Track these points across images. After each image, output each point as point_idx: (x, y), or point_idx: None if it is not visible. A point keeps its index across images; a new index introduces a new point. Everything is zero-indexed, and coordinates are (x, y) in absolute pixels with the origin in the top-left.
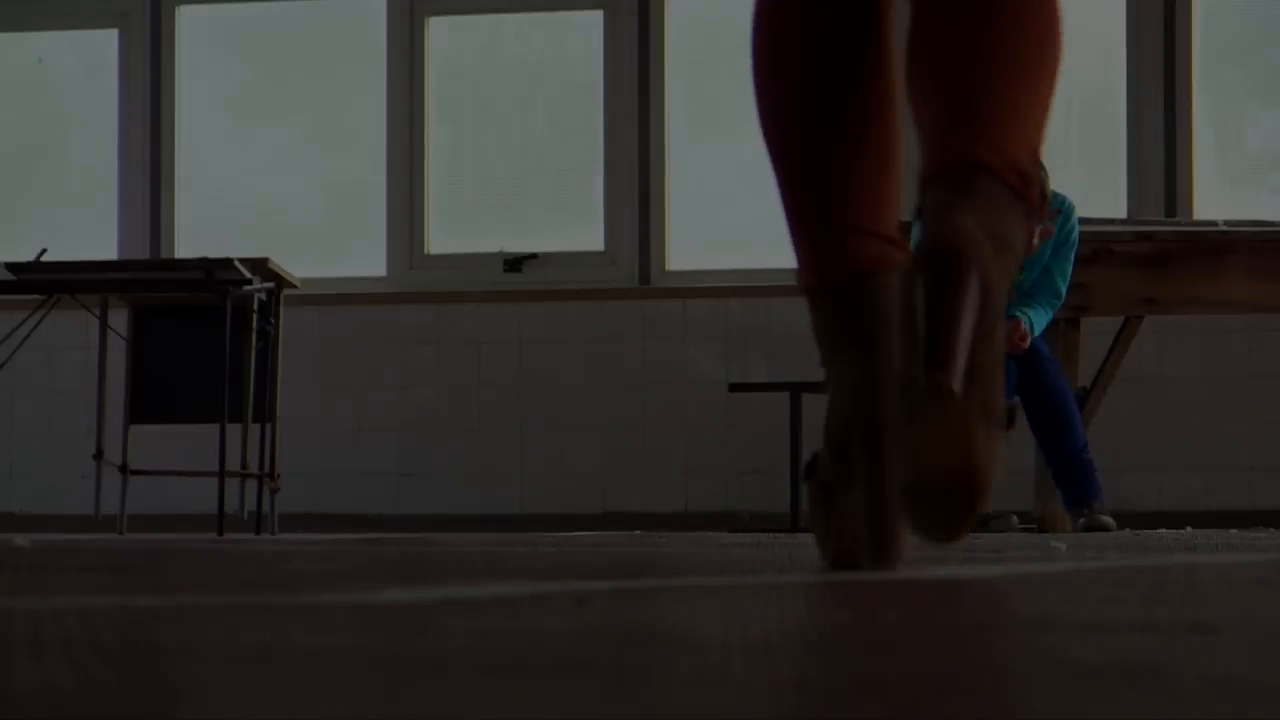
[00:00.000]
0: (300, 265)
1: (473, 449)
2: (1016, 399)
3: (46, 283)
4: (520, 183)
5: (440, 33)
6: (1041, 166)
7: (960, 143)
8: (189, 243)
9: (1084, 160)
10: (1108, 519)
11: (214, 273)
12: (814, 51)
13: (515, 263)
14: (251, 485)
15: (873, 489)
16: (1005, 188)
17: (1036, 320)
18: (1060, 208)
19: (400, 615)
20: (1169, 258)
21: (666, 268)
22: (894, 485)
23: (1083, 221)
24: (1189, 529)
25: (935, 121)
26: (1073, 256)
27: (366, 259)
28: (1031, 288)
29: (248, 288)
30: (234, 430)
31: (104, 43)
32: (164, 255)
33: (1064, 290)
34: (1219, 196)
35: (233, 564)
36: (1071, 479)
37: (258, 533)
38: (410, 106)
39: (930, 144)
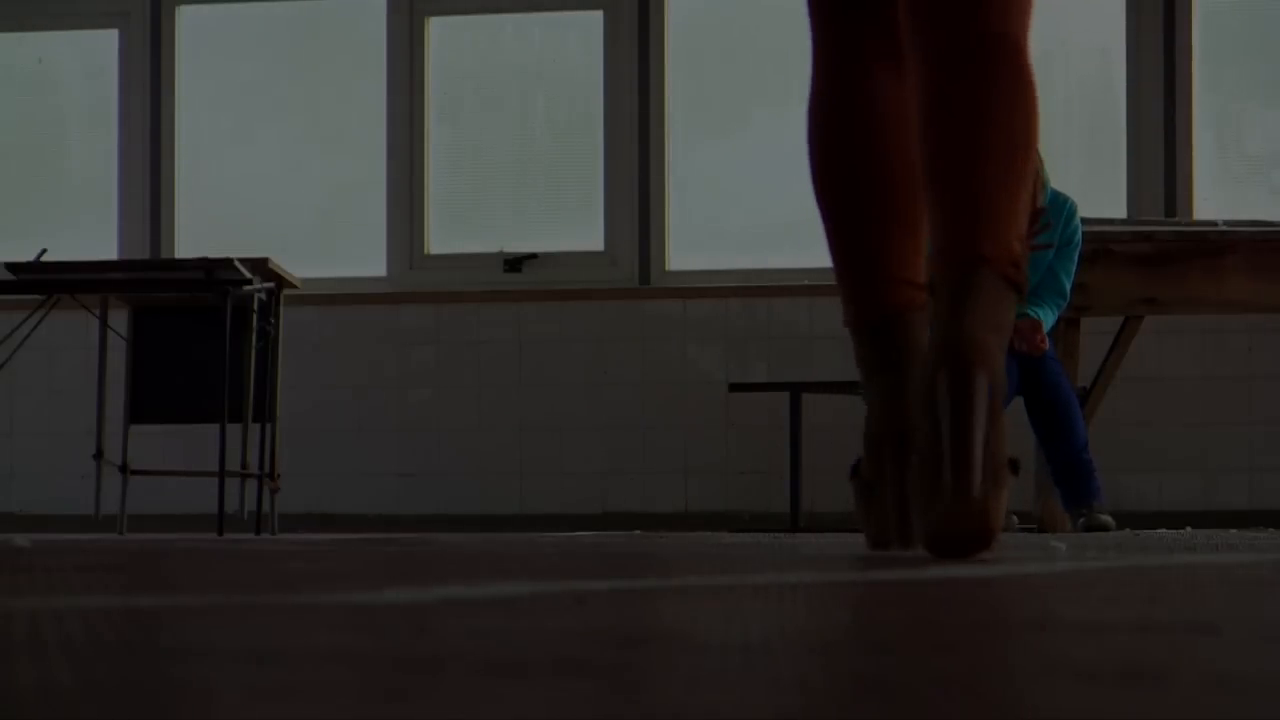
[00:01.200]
0: (300, 265)
1: (473, 449)
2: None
3: (46, 283)
4: (520, 183)
5: (440, 33)
6: (1041, 173)
7: (965, 240)
8: (189, 243)
9: (1084, 160)
10: (1108, 519)
11: (214, 273)
12: (858, 139)
13: (515, 263)
14: (251, 485)
15: (898, 487)
16: (1002, 279)
17: (1045, 320)
18: (1060, 207)
19: (400, 615)
20: (1169, 258)
21: (666, 268)
22: (914, 485)
23: (1083, 221)
24: (1189, 529)
25: (942, 213)
26: (1076, 257)
27: (366, 259)
28: (1038, 288)
29: (248, 288)
30: (234, 430)
31: (104, 43)
32: (164, 255)
33: (1069, 290)
34: (1219, 196)
35: (233, 564)
36: (1071, 479)
37: (258, 533)
38: (410, 106)
39: (938, 232)
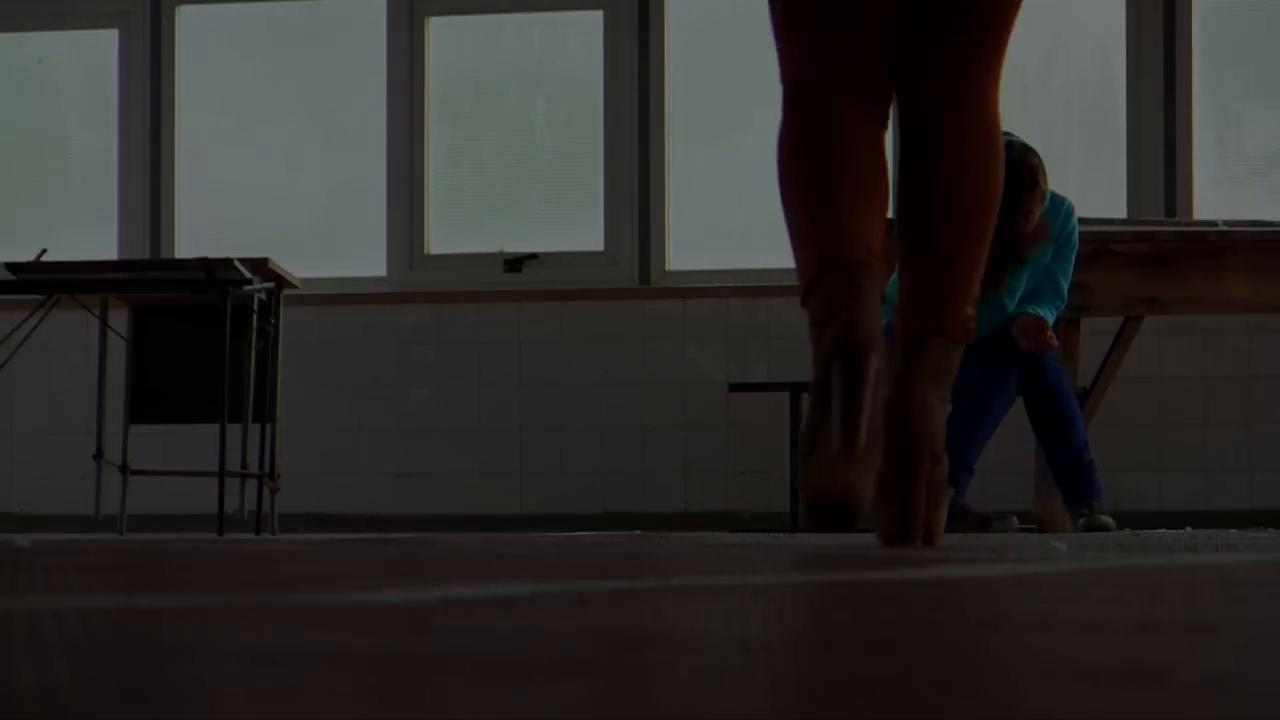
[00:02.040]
0: (300, 265)
1: (473, 449)
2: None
3: (46, 283)
4: (520, 183)
5: (440, 33)
6: (1041, 170)
7: (928, 314)
8: (189, 243)
9: (1084, 160)
10: (1108, 519)
11: (214, 273)
12: (823, 138)
13: (515, 263)
14: (251, 485)
15: (847, 421)
16: (952, 343)
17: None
18: (1057, 208)
19: (400, 615)
20: (1169, 258)
21: (666, 268)
22: (867, 421)
23: (1083, 221)
24: (1189, 529)
25: (910, 285)
26: (1074, 257)
27: (366, 259)
28: (1036, 289)
29: (248, 288)
30: (234, 430)
31: (104, 43)
32: (164, 255)
33: (1066, 291)
34: (1219, 196)
35: (233, 564)
36: (1072, 478)
37: (258, 533)
38: (410, 106)
39: (904, 298)
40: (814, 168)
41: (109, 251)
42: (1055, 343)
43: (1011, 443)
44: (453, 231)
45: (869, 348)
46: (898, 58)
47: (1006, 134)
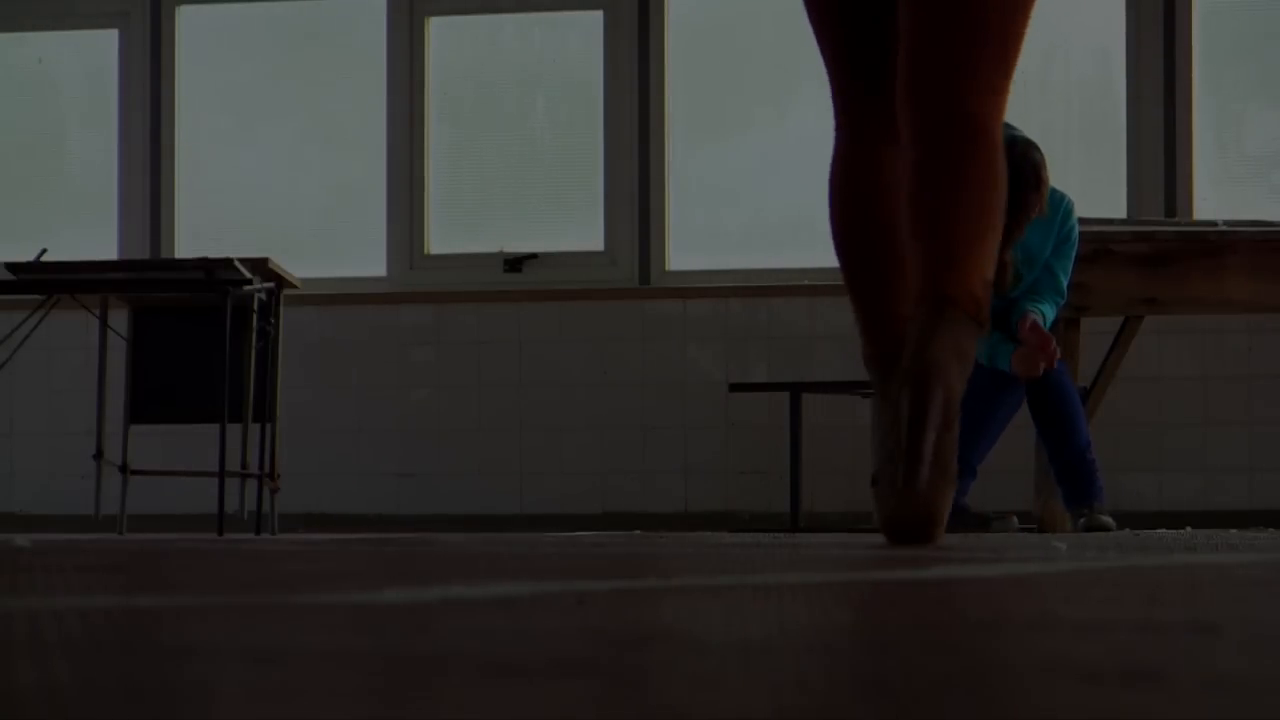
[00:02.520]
0: (300, 265)
1: (473, 449)
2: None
3: (46, 283)
4: (520, 183)
5: (440, 33)
6: (1043, 165)
7: (937, 282)
8: (189, 243)
9: (1084, 160)
10: (1108, 519)
11: (214, 273)
12: (865, 209)
13: (515, 263)
14: (251, 485)
15: (908, 477)
16: (965, 314)
17: (1045, 317)
18: (1056, 205)
19: (400, 615)
20: (1169, 258)
21: (666, 268)
22: (882, 484)
23: (1083, 221)
24: (1189, 529)
25: (919, 263)
26: (1073, 255)
27: (366, 259)
28: (1036, 284)
29: (248, 288)
30: (234, 430)
31: (104, 43)
32: (164, 255)
33: (1066, 288)
34: (1219, 196)
35: (233, 564)
36: (1073, 478)
37: (258, 533)
38: (410, 106)
39: (915, 278)
40: (862, 260)
41: (109, 251)
42: (1058, 354)
43: (1011, 443)
44: (453, 231)
45: (938, 382)
46: (898, 64)
47: (1009, 128)
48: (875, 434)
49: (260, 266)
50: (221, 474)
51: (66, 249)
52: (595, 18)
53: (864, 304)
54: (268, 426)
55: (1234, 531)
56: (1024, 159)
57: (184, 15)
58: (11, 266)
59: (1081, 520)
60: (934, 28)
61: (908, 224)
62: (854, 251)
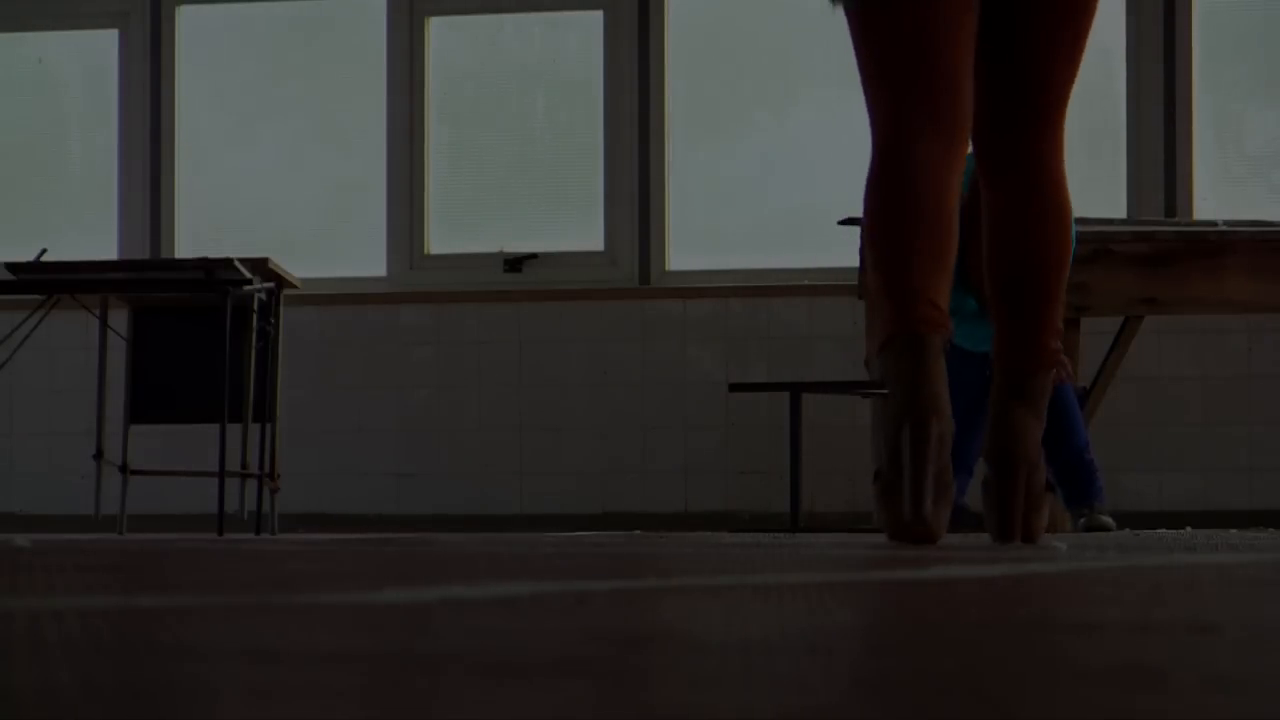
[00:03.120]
0: (300, 265)
1: (473, 449)
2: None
3: (46, 283)
4: (520, 183)
5: (440, 33)
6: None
7: (1020, 351)
8: (189, 243)
9: (1084, 160)
10: (1108, 519)
11: (214, 273)
12: (906, 197)
13: (515, 263)
14: (251, 485)
15: (916, 486)
16: (1046, 373)
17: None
18: None
19: (400, 615)
20: (1169, 258)
21: (666, 268)
22: (929, 486)
23: (1083, 221)
24: (1189, 529)
25: (1003, 327)
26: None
27: (366, 259)
28: None
29: (248, 288)
30: (234, 430)
31: (104, 43)
32: (164, 255)
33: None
34: (1219, 196)
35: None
36: (1073, 479)
37: (258, 533)
38: (410, 106)
39: (1000, 342)
40: (896, 235)
41: (109, 251)
42: (1068, 365)
43: None
44: (453, 231)
45: (932, 412)
46: (975, 116)
47: None
48: (876, 434)
49: (260, 266)
50: (221, 474)
51: (66, 249)
52: (595, 18)
53: (892, 285)
54: (268, 426)
55: (1234, 531)
56: None
57: (184, 15)
58: (11, 266)
59: (1081, 520)
60: (1016, 91)
61: (990, 283)
62: (889, 235)
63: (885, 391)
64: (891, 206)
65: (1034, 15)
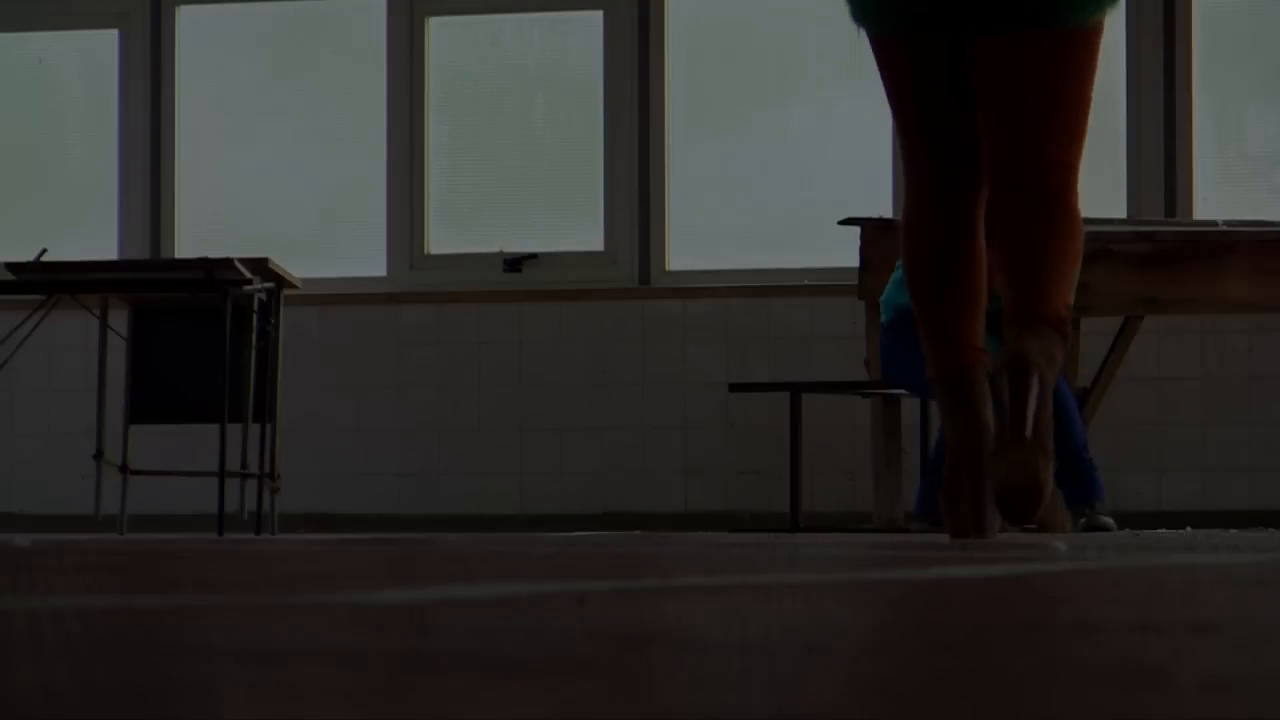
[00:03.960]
0: (300, 265)
1: (473, 449)
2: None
3: (46, 283)
4: (520, 183)
5: (440, 33)
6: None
7: (1026, 305)
8: (189, 243)
9: (1084, 160)
10: (1108, 519)
11: (214, 273)
12: (938, 248)
13: (515, 263)
14: (251, 485)
15: (974, 494)
16: (1051, 327)
17: None
18: None
19: (400, 615)
20: (1169, 258)
21: (666, 268)
22: (987, 493)
23: (1083, 221)
24: (1189, 529)
25: (1011, 290)
26: None
27: (366, 259)
28: None
29: (248, 288)
30: (234, 430)
31: (104, 43)
32: (164, 255)
33: None
34: (1219, 196)
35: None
36: (1072, 479)
37: (258, 533)
38: (410, 106)
39: (1007, 298)
40: (930, 291)
41: (109, 251)
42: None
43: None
44: (453, 231)
45: (983, 448)
46: (989, 132)
47: None
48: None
49: (260, 266)
50: (221, 474)
51: (66, 249)
52: (595, 17)
53: (935, 330)
54: (268, 426)
55: (1234, 531)
56: None
57: (184, 15)
58: (11, 266)
59: (1081, 520)
60: (1020, 113)
61: (1001, 259)
62: (928, 286)
63: (886, 391)
64: (921, 268)
65: (1042, 59)
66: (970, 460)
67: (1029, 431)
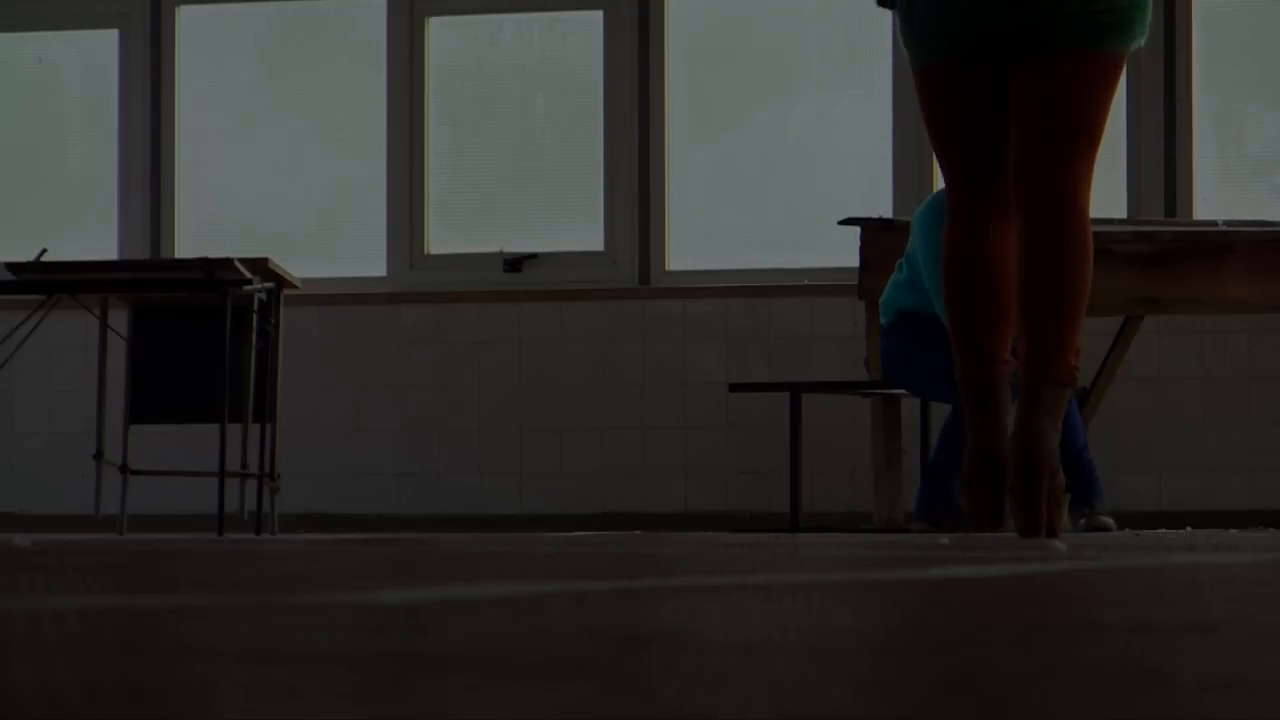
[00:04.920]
0: (300, 265)
1: (473, 449)
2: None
3: (46, 283)
4: (520, 183)
5: (440, 33)
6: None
7: (1041, 365)
8: (189, 243)
9: None
10: (1108, 519)
11: (214, 273)
12: (975, 267)
13: (515, 263)
14: (251, 485)
15: (992, 490)
16: (1064, 386)
17: None
18: None
19: (400, 615)
20: (1169, 258)
21: (666, 268)
22: (1004, 490)
23: None
24: (1189, 529)
25: (1028, 343)
26: None
27: (366, 259)
28: None
29: (248, 288)
30: (234, 430)
31: (104, 43)
32: (164, 255)
33: None
34: (1219, 196)
35: (233, 564)
36: (1072, 479)
37: (258, 533)
38: (410, 106)
39: (1024, 351)
40: (964, 306)
41: (109, 251)
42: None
43: None
44: (453, 231)
45: (1002, 451)
46: (1010, 153)
47: None
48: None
49: (260, 266)
50: (221, 474)
51: (66, 249)
52: (595, 18)
53: (966, 342)
54: (268, 426)
55: (1234, 531)
56: None
57: (184, 15)
58: (11, 266)
59: (1082, 521)
60: (1039, 131)
61: (1018, 302)
62: (963, 301)
63: (886, 391)
64: (956, 280)
65: (1065, 82)
66: (990, 461)
67: (1041, 512)
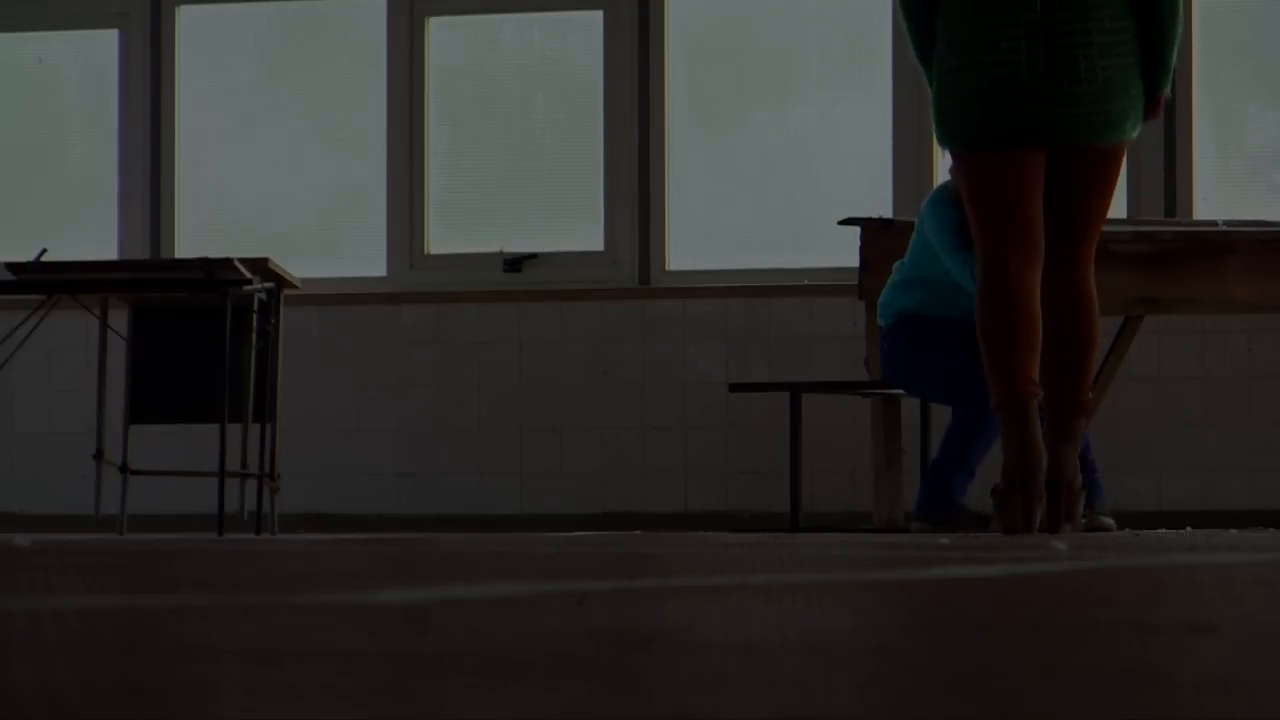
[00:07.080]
0: (300, 265)
1: (473, 449)
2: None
3: (46, 283)
4: (520, 183)
5: (440, 33)
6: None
7: (1066, 401)
8: (189, 243)
9: None
10: (1109, 520)
11: (214, 273)
12: (1008, 304)
13: (515, 263)
14: (251, 485)
15: (1025, 499)
16: (1082, 417)
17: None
18: None
19: (400, 615)
20: (1169, 258)
21: (666, 268)
22: (1038, 504)
23: None
24: (1189, 529)
25: (1054, 384)
26: None
27: (366, 259)
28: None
29: (248, 288)
30: (234, 430)
31: (104, 43)
32: (164, 255)
33: None
34: (1219, 196)
35: (233, 564)
36: None
37: (258, 533)
38: (410, 106)
39: (1050, 391)
40: (1000, 337)
41: (109, 251)
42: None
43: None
44: (453, 231)
45: (1037, 465)
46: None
47: None
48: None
49: (260, 266)
50: (221, 474)
51: (66, 249)
52: (595, 18)
53: (1001, 370)
54: (268, 426)
55: (1234, 531)
56: None
57: (184, 15)
58: (11, 266)
59: (1082, 520)
60: (1065, 215)
61: (1046, 354)
62: (997, 335)
63: (886, 392)
64: (996, 318)
65: (1081, 173)
66: (1025, 476)
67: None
